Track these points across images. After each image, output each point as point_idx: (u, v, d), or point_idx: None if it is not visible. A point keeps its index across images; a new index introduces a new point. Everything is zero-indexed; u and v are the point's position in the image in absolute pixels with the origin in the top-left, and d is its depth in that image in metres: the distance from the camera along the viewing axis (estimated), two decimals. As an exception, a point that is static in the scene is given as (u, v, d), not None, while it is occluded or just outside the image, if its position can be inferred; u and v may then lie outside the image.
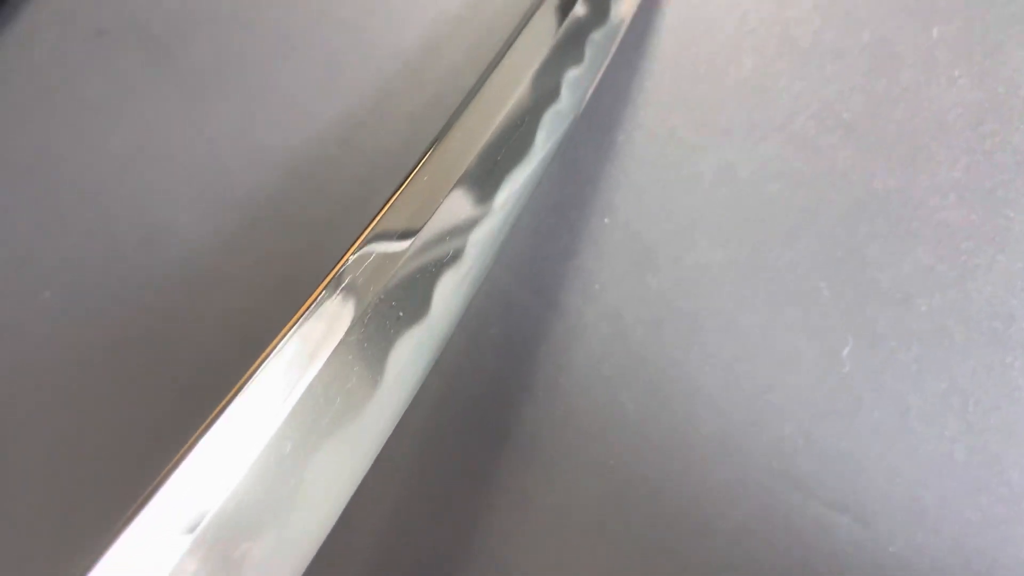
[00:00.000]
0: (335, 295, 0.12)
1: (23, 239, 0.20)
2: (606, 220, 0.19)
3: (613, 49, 0.19)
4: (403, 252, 0.13)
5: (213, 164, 0.20)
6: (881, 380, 0.18)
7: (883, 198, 0.18)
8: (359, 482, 0.12)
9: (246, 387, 0.11)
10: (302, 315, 0.12)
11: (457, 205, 0.14)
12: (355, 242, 0.13)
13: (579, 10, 0.17)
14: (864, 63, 0.19)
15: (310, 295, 0.12)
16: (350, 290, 0.12)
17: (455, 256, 0.14)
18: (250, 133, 0.20)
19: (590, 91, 0.18)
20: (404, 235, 0.13)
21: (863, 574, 0.17)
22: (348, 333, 0.12)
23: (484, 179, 0.15)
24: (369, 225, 0.13)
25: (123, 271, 0.20)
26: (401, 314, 0.13)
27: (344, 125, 0.20)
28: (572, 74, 0.17)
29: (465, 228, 0.14)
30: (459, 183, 0.14)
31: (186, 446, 0.10)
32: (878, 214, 0.18)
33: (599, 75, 0.18)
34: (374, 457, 0.12)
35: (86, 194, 0.20)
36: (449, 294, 0.14)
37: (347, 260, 0.13)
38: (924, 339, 0.18)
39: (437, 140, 0.15)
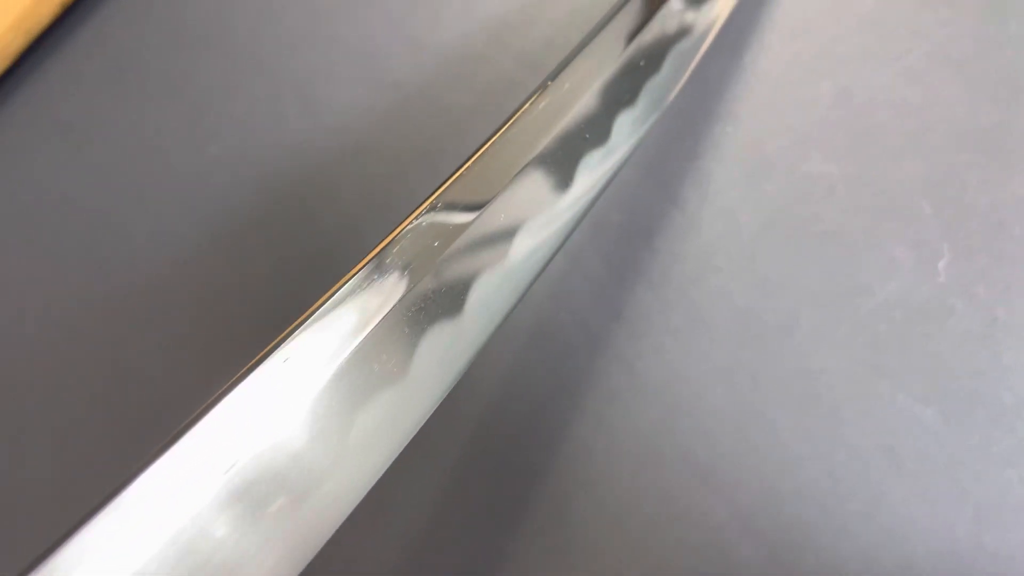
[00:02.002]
0: (392, 257, 0.12)
1: (198, 97, 0.22)
2: (728, 129, 0.21)
3: (709, 40, 0.19)
4: (465, 226, 0.13)
5: (373, 50, 0.22)
6: (973, 291, 0.19)
7: (985, 131, 0.20)
8: (399, 450, 0.12)
9: (288, 341, 0.11)
10: (358, 271, 0.12)
11: (528, 185, 0.14)
12: (416, 209, 0.13)
13: None
14: (975, 10, 0.21)
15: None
16: (406, 257, 0.12)
17: (519, 237, 0.14)
18: (409, 25, 0.22)
19: (680, 83, 0.18)
20: (469, 208, 0.13)
21: (941, 463, 0.18)
22: (402, 299, 0.12)
23: (561, 162, 0.14)
24: (433, 194, 0.13)
25: (281, 135, 0.22)
26: (455, 289, 0.13)
27: (494, 25, 0.22)
28: (666, 64, 0.17)
29: (534, 209, 0.14)
30: (534, 163, 0.14)
31: (229, 383, 0.10)
32: (979, 145, 0.20)
33: (692, 67, 0.19)
34: (418, 426, 0.12)
35: (256, 63, 0.22)
36: (507, 276, 0.14)
37: (407, 226, 0.12)
38: (1015, 259, 0.19)
39: (517, 114, 0.14)
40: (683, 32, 0.18)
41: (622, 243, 0.20)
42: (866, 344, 0.19)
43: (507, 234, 0.14)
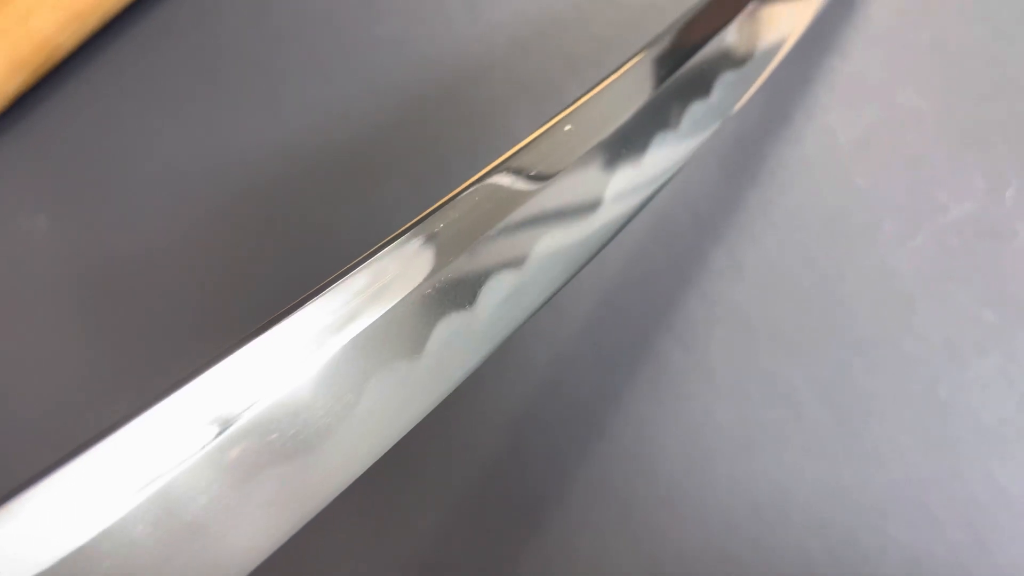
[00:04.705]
0: (429, 231, 0.12)
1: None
2: (836, 61, 0.24)
3: (787, 48, 0.20)
4: (511, 208, 0.12)
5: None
6: (1034, 218, 0.22)
7: (1059, 88, 0.23)
8: (408, 428, 0.12)
9: (307, 304, 0.11)
10: (392, 241, 0.12)
11: (591, 168, 0.14)
12: (463, 185, 0.13)
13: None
14: (1061, -14, 0.24)
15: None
16: (443, 232, 0.12)
17: (570, 220, 0.13)
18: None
19: (759, 81, 0.19)
20: (530, 180, 0.13)
21: (994, 356, 0.21)
22: (431, 275, 0.12)
23: (629, 148, 0.14)
24: (488, 167, 0.13)
25: (443, 24, 0.25)
26: (498, 265, 0.12)
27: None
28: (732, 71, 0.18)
29: (593, 192, 0.14)
30: (599, 146, 0.14)
31: (235, 341, 0.10)
32: (1052, 99, 0.23)
33: (767, 72, 0.20)
34: (431, 406, 0.12)
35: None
36: (552, 259, 0.13)
37: (450, 200, 0.12)
38: (1074, 196, 0.22)
39: (589, 93, 0.14)
40: (764, 37, 0.19)
41: (734, 147, 0.24)
42: (938, 252, 0.22)
43: (556, 218, 0.13)
